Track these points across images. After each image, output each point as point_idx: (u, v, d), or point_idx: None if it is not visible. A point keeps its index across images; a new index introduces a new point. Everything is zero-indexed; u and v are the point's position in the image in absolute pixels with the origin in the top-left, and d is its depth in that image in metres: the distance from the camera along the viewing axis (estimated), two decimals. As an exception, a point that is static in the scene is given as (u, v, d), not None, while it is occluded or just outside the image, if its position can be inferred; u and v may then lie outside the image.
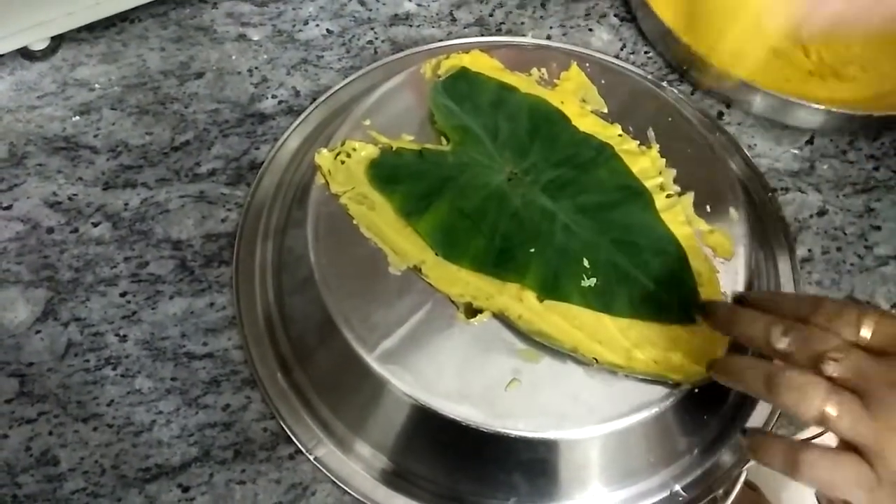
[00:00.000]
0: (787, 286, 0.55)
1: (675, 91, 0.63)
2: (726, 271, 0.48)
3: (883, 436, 0.34)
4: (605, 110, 0.54)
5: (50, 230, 0.54)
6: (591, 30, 0.67)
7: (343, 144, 0.50)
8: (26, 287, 0.52)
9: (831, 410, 0.35)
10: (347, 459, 0.47)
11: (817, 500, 0.41)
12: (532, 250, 0.46)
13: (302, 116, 0.59)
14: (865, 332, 0.37)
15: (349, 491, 0.46)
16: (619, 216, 0.48)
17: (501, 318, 0.45)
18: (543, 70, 0.56)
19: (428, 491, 0.46)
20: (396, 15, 0.67)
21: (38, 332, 0.50)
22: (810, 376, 0.36)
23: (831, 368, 0.36)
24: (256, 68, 0.63)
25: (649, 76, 0.64)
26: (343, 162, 0.50)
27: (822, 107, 0.59)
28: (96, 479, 0.46)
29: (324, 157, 0.50)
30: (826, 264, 0.57)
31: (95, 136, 0.58)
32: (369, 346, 0.43)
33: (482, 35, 0.66)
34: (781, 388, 0.36)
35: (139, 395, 0.48)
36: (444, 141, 0.52)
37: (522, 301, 0.45)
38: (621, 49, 0.67)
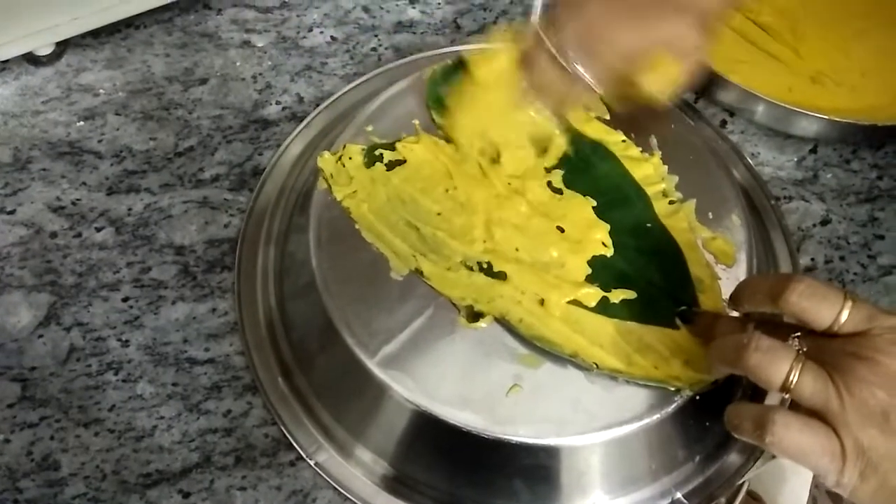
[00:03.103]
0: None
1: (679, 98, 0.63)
2: (728, 278, 0.47)
3: (847, 403, 0.35)
4: (608, 117, 0.54)
5: (53, 235, 0.54)
6: (594, 38, 0.67)
7: (344, 149, 0.50)
8: (29, 291, 0.52)
9: (796, 374, 0.36)
10: (348, 465, 0.47)
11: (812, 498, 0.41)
12: None
13: (305, 122, 0.59)
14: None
15: (350, 497, 0.46)
16: (616, 218, 0.48)
17: (502, 322, 0.45)
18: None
19: (429, 497, 0.45)
20: (400, 22, 0.67)
21: (40, 336, 0.50)
22: (779, 342, 0.37)
23: (795, 344, 0.38)
24: (260, 74, 0.63)
25: (652, 84, 0.64)
26: (344, 165, 0.50)
27: (825, 116, 0.59)
28: (97, 485, 0.46)
29: (325, 160, 0.50)
30: (829, 274, 0.57)
31: (100, 141, 0.58)
32: (371, 351, 0.43)
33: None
34: (750, 351, 0.37)
35: (141, 401, 0.48)
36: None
37: (522, 304, 0.45)
38: (624, 57, 0.67)
